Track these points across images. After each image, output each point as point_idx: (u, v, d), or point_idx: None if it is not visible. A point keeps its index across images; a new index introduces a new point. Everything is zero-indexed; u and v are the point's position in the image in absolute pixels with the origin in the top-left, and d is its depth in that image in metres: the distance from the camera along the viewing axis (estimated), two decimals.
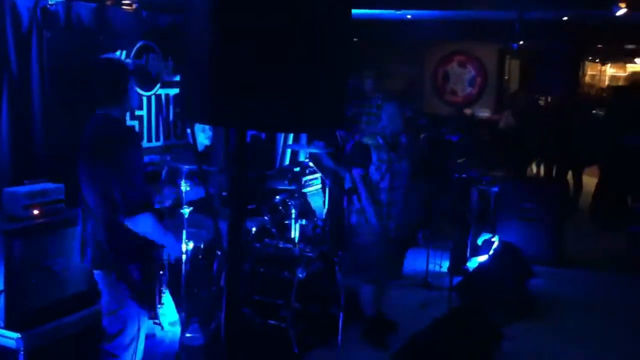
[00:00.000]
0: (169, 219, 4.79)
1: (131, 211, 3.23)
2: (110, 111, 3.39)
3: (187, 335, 4.70)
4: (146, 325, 3.57)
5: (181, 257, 4.35)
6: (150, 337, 3.62)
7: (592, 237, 8.58)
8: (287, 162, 7.65)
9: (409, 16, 9.28)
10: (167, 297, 4.05)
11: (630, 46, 13.52)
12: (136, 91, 3.66)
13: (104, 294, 3.45)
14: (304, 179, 6.89)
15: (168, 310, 4.05)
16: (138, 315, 3.45)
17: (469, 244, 7.06)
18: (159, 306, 3.63)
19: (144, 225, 3.30)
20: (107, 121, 3.38)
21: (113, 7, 5.39)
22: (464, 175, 7.20)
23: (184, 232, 4.49)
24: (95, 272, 3.47)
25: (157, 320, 3.53)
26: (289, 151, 7.69)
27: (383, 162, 5.03)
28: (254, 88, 1.69)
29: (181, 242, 4.31)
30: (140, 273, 3.38)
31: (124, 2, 5.53)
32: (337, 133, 6.37)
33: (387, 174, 5.02)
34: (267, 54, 1.67)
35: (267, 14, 1.66)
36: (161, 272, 3.96)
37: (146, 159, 5.74)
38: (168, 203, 4.78)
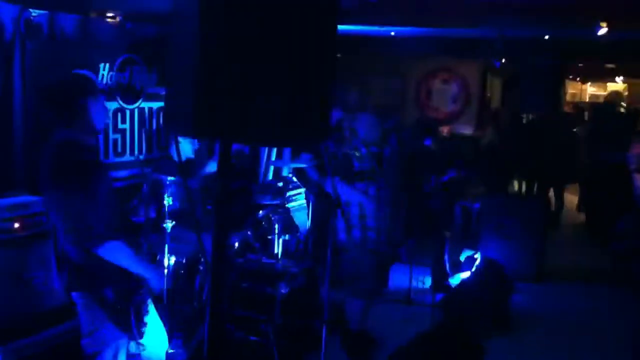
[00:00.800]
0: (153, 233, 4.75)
1: (97, 240, 3.09)
2: (68, 133, 3.15)
3: (170, 351, 4.65)
4: (126, 347, 3.48)
5: (162, 290, 4.17)
6: (134, 357, 3.53)
7: (573, 253, 8.63)
8: (270, 177, 7.63)
9: (392, 33, 9.33)
10: (152, 316, 3.95)
11: (610, 65, 13.69)
12: (104, 109, 3.43)
13: (82, 315, 3.33)
14: (288, 193, 6.88)
15: (154, 329, 3.96)
16: (115, 337, 3.36)
17: (446, 260, 7.07)
18: (142, 328, 3.53)
19: (113, 253, 3.15)
20: (67, 145, 3.14)
21: (97, 19, 5.37)
22: (444, 191, 7.21)
23: (166, 246, 4.45)
24: (73, 293, 3.39)
25: (139, 342, 3.42)
26: (272, 166, 7.68)
27: (366, 171, 5.03)
28: (240, 101, 1.69)
29: (163, 276, 4.17)
30: (114, 295, 3.29)
31: (108, 14, 5.52)
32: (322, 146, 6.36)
33: (372, 186, 5.02)
34: (253, 67, 1.67)
35: (255, 27, 1.66)
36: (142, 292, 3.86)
37: (128, 172, 5.74)
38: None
